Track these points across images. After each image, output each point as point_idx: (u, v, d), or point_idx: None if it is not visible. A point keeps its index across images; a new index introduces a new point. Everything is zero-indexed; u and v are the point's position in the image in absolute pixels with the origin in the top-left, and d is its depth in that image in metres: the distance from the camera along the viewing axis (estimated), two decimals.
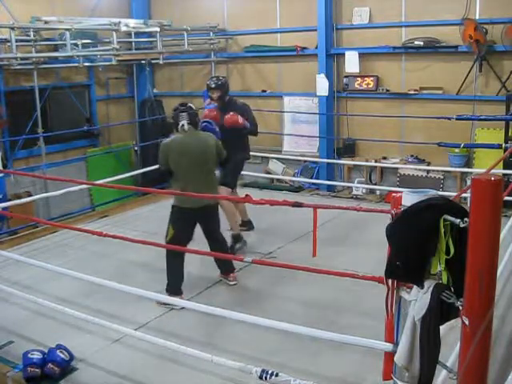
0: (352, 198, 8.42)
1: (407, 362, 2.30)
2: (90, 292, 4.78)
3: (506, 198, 4.07)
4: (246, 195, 4.38)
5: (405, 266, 2.26)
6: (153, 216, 7.16)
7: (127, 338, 4.01)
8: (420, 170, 8.18)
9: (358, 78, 8.62)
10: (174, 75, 10.75)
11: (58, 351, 3.72)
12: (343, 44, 8.78)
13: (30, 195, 8.17)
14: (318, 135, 8.97)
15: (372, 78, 8.54)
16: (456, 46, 7.69)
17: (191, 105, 4.99)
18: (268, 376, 2.85)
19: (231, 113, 5.88)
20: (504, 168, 6.65)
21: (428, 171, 8.16)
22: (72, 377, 3.71)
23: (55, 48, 9.04)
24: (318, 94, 8.76)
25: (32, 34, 8.31)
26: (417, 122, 8.14)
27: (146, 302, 4.49)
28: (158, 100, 10.47)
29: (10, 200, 7.47)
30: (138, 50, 10.21)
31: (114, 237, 3.87)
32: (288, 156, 9.19)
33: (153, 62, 10.24)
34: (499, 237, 2.01)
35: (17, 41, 7.75)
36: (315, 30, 8.70)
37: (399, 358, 2.33)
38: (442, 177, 8.09)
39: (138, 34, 9.95)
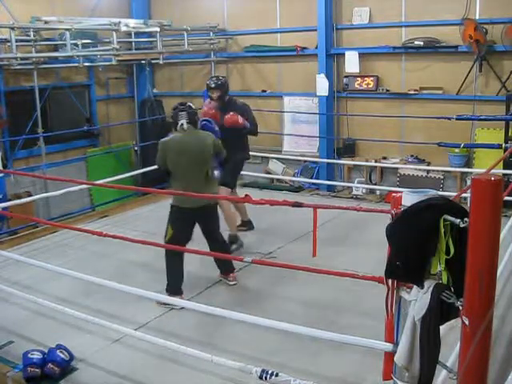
0: (352, 197, 8.42)
1: (407, 361, 2.30)
2: (89, 292, 4.78)
3: (506, 198, 4.07)
4: (246, 195, 4.39)
5: (405, 266, 2.26)
6: (153, 216, 7.16)
7: (127, 338, 4.01)
8: (420, 169, 8.18)
9: (358, 78, 8.62)
10: (174, 75, 10.75)
11: (58, 351, 3.72)
12: (343, 44, 8.78)
13: (30, 195, 8.17)
14: (318, 135, 8.97)
15: (372, 78, 8.54)
16: (456, 46, 7.69)
17: (191, 104, 4.99)
18: (268, 376, 2.85)
19: (231, 113, 5.88)
20: (504, 168, 6.65)
21: (428, 171, 8.16)
22: (72, 377, 3.71)
23: (55, 48, 9.03)
24: (318, 94, 8.76)
25: (32, 34, 8.31)
26: (417, 122, 8.14)
27: (145, 302, 4.49)
28: (158, 100, 10.47)
29: (10, 200, 7.47)
30: (138, 49, 10.21)
31: (113, 237, 3.87)
32: (288, 156, 9.18)
33: (153, 62, 10.24)
34: (499, 237, 2.01)
35: (17, 41, 7.74)
36: (315, 30, 8.70)
37: (399, 358, 2.33)
38: (441, 177, 8.09)
39: (138, 34, 9.95)
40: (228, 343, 4.01)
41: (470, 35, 7.37)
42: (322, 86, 8.65)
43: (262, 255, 5.78)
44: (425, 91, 8.15)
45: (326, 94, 8.67)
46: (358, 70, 8.49)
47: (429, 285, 2.22)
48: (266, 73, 9.67)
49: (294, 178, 9.27)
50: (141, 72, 10.57)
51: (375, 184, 8.60)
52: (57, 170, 8.93)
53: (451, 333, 2.57)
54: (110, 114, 10.43)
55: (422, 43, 7.94)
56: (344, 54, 8.53)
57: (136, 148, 10.27)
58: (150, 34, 9.98)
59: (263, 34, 9.49)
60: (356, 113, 8.66)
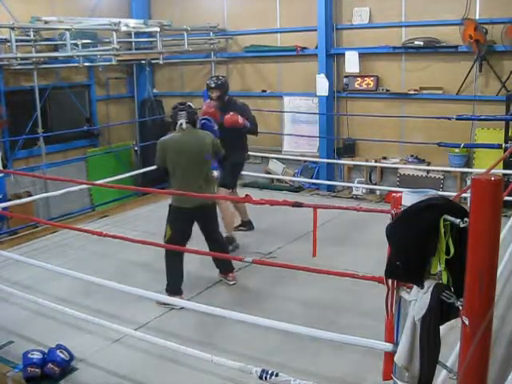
0: (352, 197, 8.42)
1: (407, 361, 2.30)
2: (89, 292, 4.78)
3: (506, 198, 4.07)
4: (246, 195, 4.38)
5: (405, 266, 2.26)
6: (153, 216, 7.16)
7: (127, 338, 4.01)
8: (420, 169, 8.18)
9: (358, 78, 8.62)
10: (174, 75, 10.75)
11: (58, 351, 3.73)
12: (343, 44, 8.78)
13: (30, 195, 8.17)
14: (318, 135, 8.96)
15: (372, 78, 8.54)
16: (456, 46, 7.69)
17: (190, 104, 5.00)
18: (268, 376, 2.85)
19: (231, 113, 5.88)
20: (504, 168, 6.65)
21: (428, 171, 8.16)
22: (72, 377, 3.71)
23: (55, 48, 9.04)
24: (318, 94, 8.76)
25: (32, 33, 8.31)
26: (417, 122, 8.14)
27: (145, 302, 4.49)
28: (158, 100, 10.47)
29: (10, 200, 7.47)
30: (138, 49, 10.21)
31: (113, 237, 3.87)
32: (288, 156, 9.18)
33: (153, 62, 10.24)
34: (499, 237, 2.01)
35: (17, 41, 7.75)
36: (315, 30, 8.70)
37: (399, 358, 2.33)
38: (442, 177, 8.09)
39: (138, 34, 9.95)
40: (228, 343, 4.01)
41: (469, 35, 7.37)
42: (322, 86, 8.65)
43: (262, 255, 5.78)
44: (425, 91, 8.15)
45: (326, 94, 8.67)
46: (358, 70, 8.49)
47: (429, 285, 2.22)
48: (266, 73, 9.67)
49: (294, 178, 9.27)
50: (141, 72, 10.57)
51: (375, 184, 8.60)
52: (57, 169, 8.93)
53: (451, 333, 2.57)
54: (110, 114, 10.43)
55: (421, 43, 7.94)
56: (344, 54, 8.53)
57: (136, 148, 10.27)
58: (150, 34, 9.98)
59: (263, 33, 9.48)
60: (356, 113, 8.66)
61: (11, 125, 8.63)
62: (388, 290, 2.44)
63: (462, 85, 7.75)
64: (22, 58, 8.19)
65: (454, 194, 5.90)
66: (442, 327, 2.25)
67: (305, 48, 9.03)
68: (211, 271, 5.19)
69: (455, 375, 2.23)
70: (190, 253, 4.54)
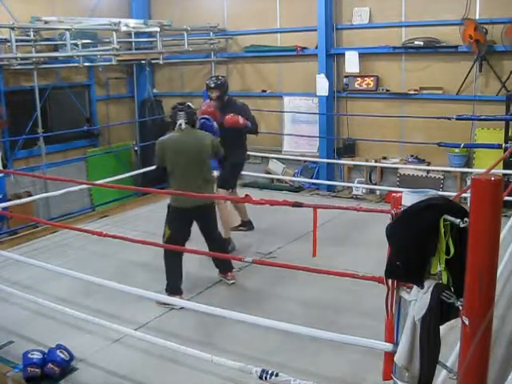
0: (352, 197, 8.42)
1: (407, 361, 2.30)
2: (89, 292, 4.78)
3: (506, 198, 4.07)
4: (246, 195, 4.38)
5: (405, 266, 2.26)
6: (153, 216, 7.15)
7: (127, 338, 4.01)
8: (420, 169, 8.18)
9: (358, 78, 8.62)
10: (174, 75, 10.75)
11: (58, 351, 3.73)
12: (343, 44, 8.78)
13: (30, 195, 8.16)
14: (318, 135, 8.96)
15: (372, 78, 8.54)
16: (456, 46, 7.69)
17: (190, 104, 5.00)
18: (268, 376, 2.85)
19: (231, 114, 5.87)
20: (504, 168, 6.65)
21: (428, 171, 8.16)
22: (72, 377, 3.71)
23: (55, 48, 9.03)
24: (318, 94, 8.76)
25: (32, 33, 8.31)
26: (417, 122, 8.14)
27: (145, 302, 4.49)
28: (158, 100, 10.47)
29: (10, 200, 7.47)
30: (138, 49, 10.21)
31: (113, 237, 3.87)
32: (288, 156, 9.18)
33: (153, 62, 10.24)
34: (499, 237, 2.02)
35: (17, 41, 7.74)
36: (315, 30, 8.70)
37: (399, 357, 2.33)
38: (442, 177, 8.09)
39: (138, 34, 9.95)
40: (228, 343, 4.01)
41: (469, 35, 7.37)
42: (322, 86, 8.65)
43: (262, 255, 5.78)
44: (425, 91, 8.15)
45: (326, 94, 8.67)
46: (358, 70, 8.49)
47: (429, 285, 2.22)
48: (266, 73, 9.67)
49: (294, 178, 9.27)
50: (141, 72, 10.57)
51: (375, 184, 8.60)
52: (57, 169, 8.93)
53: (451, 333, 2.57)
54: (110, 114, 10.43)
55: (422, 43, 7.94)
56: (344, 54, 8.53)
57: (136, 148, 10.27)
58: (150, 34, 9.98)
59: (263, 33, 9.48)
60: (356, 113, 8.66)
61: (11, 125, 8.63)
62: (388, 290, 2.44)
63: (462, 85, 7.75)
64: (22, 58, 8.18)
65: (454, 194, 5.90)
66: (442, 327, 2.25)
67: (305, 48, 9.03)
68: (211, 271, 5.19)
69: (455, 375, 2.23)
70: (190, 253, 4.55)
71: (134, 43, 9.99)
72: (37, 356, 3.69)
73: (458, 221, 2.10)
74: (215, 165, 5.61)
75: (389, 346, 2.56)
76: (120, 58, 9.16)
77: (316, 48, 8.78)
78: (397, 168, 8.33)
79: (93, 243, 6.04)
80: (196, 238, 5.00)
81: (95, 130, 10.00)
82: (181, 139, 4.83)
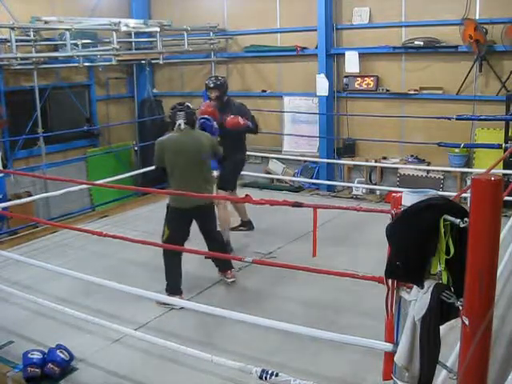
0: (352, 197, 8.42)
1: (407, 361, 2.30)
2: (89, 292, 4.78)
3: (506, 198, 4.07)
4: (246, 195, 4.38)
5: (405, 266, 2.26)
6: (153, 216, 7.15)
7: (127, 338, 4.01)
8: (420, 169, 8.18)
9: (358, 78, 8.62)
10: (174, 75, 10.74)
11: (58, 351, 3.73)
12: (343, 44, 8.78)
13: (30, 195, 8.16)
14: (318, 135, 8.96)
15: (372, 78, 8.54)
16: (456, 46, 7.69)
17: (189, 104, 5.00)
18: (268, 376, 2.85)
19: (232, 116, 5.86)
20: (504, 168, 6.65)
21: (428, 171, 8.16)
22: (72, 377, 3.71)
23: (55, 48, 9.03)
24: (318, 94, 8.76)
25: (32, 33, 8.31)
26: (417, 122, 8.14)
27: (145, 302, 4.49)
28: (158, 100, 10.47)
29: (10, 200, 7.47)
30: (138, 49, 10.21)
31: (113, 237, 3.87)
32: (288, 156, 9.18)
33: (153, 62, 10.23)
34: (499, 237, 2.02)
35: (17, 41, 7.74)
36: (315, 30, 8.70)
37: (399, 358, 2.33)
38: (442, 177, 8.09)
39: (138, 34, 9.95)
40: (228, 343, 4.02)
41: (469, 35, 7.37)
42: (322, 86, 8.65)
43: (262, 255, 5.78)
44: (425, 91, 8.15)
45: (326, 94, 8.67)
46: (358, 70, 8.49)
47: (429, 285, 2.22)
48: (266, 73, 9.67)
49: (294, 178, 9.27)
50: (141, 72, 10.57)
51: (375, 184, 8.60)
52: (57, 169, 8.93)
53: (451, 333, 2.57)
54: (110, 114, 10.43)
55: (422, 43, 7.94)
56: (344, 54, 8.53)
57: (136, 148, 10.27)
58: (150, 34, 9.98)
59: (263, 33, 9.48)
60: (356, 113, 8.66)
61: (11, 125, 8.62)
62: (388, 290, 2.44)
63: (462, 85, 7.75)
64: (22, 58, 8.18)
65: (454, 194, 5.90)
66: (442, 327, 2.25)
67: (305, 48, 9.02)
68: (211, 271, 5.19)
69: (455, 375, 2.24)
70: (189, 253, 4.54)
71: (134, 43, 9.98)
72: (37, 356, 3.69)
73: (457, 221, 2.10)
74: (215, 165, 5.62)
75: (389, 346, 2.56)
76: (120, 58, 9.15)
77: (316, 48, 8.78)
78: (397, 168, 8.33)
79: (93, 243, 6.04)
80: (196, 238, 5.00)
81: (95, 130, 10.00)
82: (180, 139, 4.83)
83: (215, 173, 5.39)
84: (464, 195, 4.79)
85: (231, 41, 9.96)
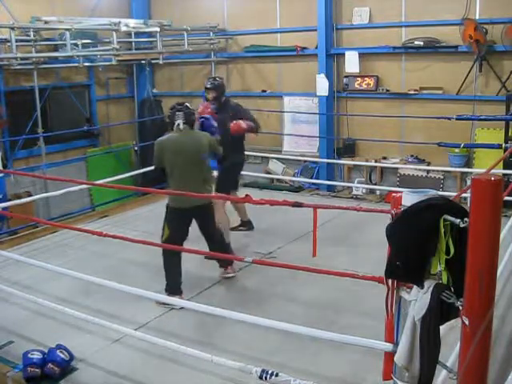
0: (352, 197, 8.42)
1: (407, 362, 2.30)
2: (89, 292, 4.78)
3: (506, 198, 4.07)
4: (246, 195, 4.38)
5: (405, 266, 2.26)
6: (152, 216, 7.14)
7: (127, 338, 4.01)
8: (420, 169, 8.18)
9: (358, 78, 8.62)
10: (174, 75, 10.74)
11: (58, 351, 3.73)
12: (343, 44, 8.78)
13: (30, 195, 8.16)
14: (318, 135, 8.96)
15: (372, 78, 8.54)
16: (456, 46, 7.69)
17: (188, 104, 5.01)
18: (268, 376, 2.85)
19: (234, 121, 5.84)
20: (504, 168, 6.65)
21: (428, 171, 8.16)
22: (72, 377, 3.71)
23: (55, 48, 9.04)
24: (318, 94, 8.76)
25: (32, 34, 8.31)
26: (417, 122, 8.14)
27: (145, 301, 4.49)
28: (158, 100, 10.46)
29: (10, 200, 7.47)
30: (138, 49, 10.21)
31: (113, 237, 3.87)
32: (288, 156, 9.18)
33: (153, 62, 10.23)
34: (499, 237, 2.01)
35: (17, 41, 7.74)
36: (315, 30, 8.70)
37: (399, 358, 2.33)
38: (442, 177, 8.09)
39: (138, 34, 9.95)
40: (228, 343, 4.02)
41: (469, 35, 7.37)
42: (322, 86, 8.65)
43: (262, 255, 5.78)
44: (425, 91, 8.15)
45: (326, 94, 8.67)
46: (358, 70, 8.49)
47: (429, 285, 2.22)
48: (266, 73, 9.67)
49: (294, 178, 9.27)
50: (141, 72, 10.57)
51: (375, 184, 8.60)
52: (57, 169, 8.93)
53: (451, 333, 2.57)
54: (110, 114, 10.43)
55: (422, 43, 7.94)
56: (344, 54, 8.53)
57: (136, 148, 10.27)
58: (150, 34, 9.98)
59: (263, 33, 9.48)
60: (356, 113, 8.66)
61: (11, 125, 8.63)
62: (388, 290, 2.44)
63: (462, 85, 7.75)
64: (22, 58, 8.18)
65: (454, 194, 5.90)
66: (442, 327, 2.25)
67: (305, 48, 9.02)
68: (211, 271, 5.20)
69: (455, 375, 2.23)
70: (190, 253, 4.55)
71: (134, 43, 9.99)
72: (37, 356, 3.69)
73: (458, 221, 2.10)
74: (215, 165, 5.62)
75: (389, 346, 2.56)
76: (120, 58, 9.16)
77: (316, 48, 8.78)
78: (397, 168, 8.33)
79: (93, 243, 6.04)
80: (195, 238, 5.00)
81: (95, 130, 10.00)
82: (179, 139, 4.84)
83: (215, 173, 5.39)
84: (464, 195, 4.79)
85: (231, 41, 9.96)
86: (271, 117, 9.41)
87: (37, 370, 3.62)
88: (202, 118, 5.48)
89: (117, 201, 8.79)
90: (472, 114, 7.62)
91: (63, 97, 9.52)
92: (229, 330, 4.17)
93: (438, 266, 2.22)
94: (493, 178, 1.95)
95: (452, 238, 2.15)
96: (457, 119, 7.36)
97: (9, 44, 7.80)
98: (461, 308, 2.10)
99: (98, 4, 9.94)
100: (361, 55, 8.38)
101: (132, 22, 9.61)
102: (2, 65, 8.34)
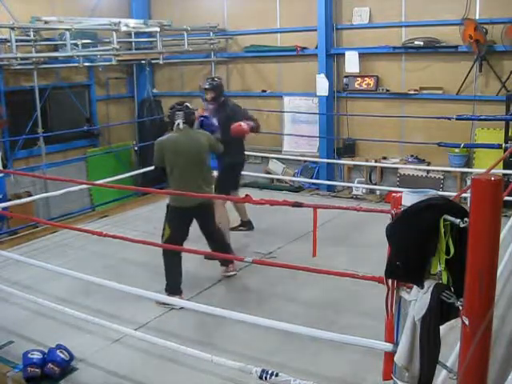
0: (352, 198, 8.42)
1: (407, 362, 2.30)
2: (89, 292, 4.78)
3: (506, 198, 4.06)
4: (246, 195, 4.38)
5: (405, 266, 2.26)
6: (153, 216, 7.15)
7: (127, 338, 4.01)
8: (420, 169, 8.18)
9: (358, 78, 8.62)
10: (174, 75, 10.74)
11: (58, 351, 3.73)
12: (343, 44, 8.78)
13: (30, 195, 8.17)
14: (318, 135, 8.96)
15: (372, 78, 8.54)
16: (456, 46, 7.69)
17: (188, 104, 5.01)
18: (268, 376, 2.85)
19: (235, 123, 5.83)
20: (504, 168, 6.65)
21: (428, 171, 8.16)
22: (72, 377, 3.71)
23: (55, 48, 9.04)
24: (318, 94, 8.76)
25: (32, 33, 8.32)
26: (417, 122, 8.14)
27: (145, 301, 4.49)
28: (157, 100, 10.47)
29: (10, 200, 7.47)
30: (138, 49, 10.21)
31: (113, 237, 3.87)
32: (288, 156, 9.18)
33: (153, 62, 10.24)
34: (499, 237, 2.01)
35: (17, 41, 7.75)
36: (315, 30, 8.70)
37: (399, 358, 2.33)
38: (442, 177, 8.09)
39: (138, 34, 9.95)
40: (228, 343, 4.01)
41: (469, 35, 7.37)
42: (322, 86, 8.65)
43: (262, 255, 5.78)
44: (425, 91, 8.15)
45: (326, 94, 8.67)
46: (358, 70, 8.49)
47: (429, 285, 2.22)
48: (266, 73, 9.67)
49: (294, 178, 9.27)
50: (141, 72, 10.57)
51: (375, 184, 8.60)
52: (57, 169, 8.93)
53: (451, 333, 2.57)
54: (109, 114, 10.44)
55: (422, 43, 7.94)
56: (344, 53, 8.53)
57: (136, 148, 10.27)
58: (150, 34, 9.98)
59: (263, 33, 9.49)
60: (356, 113, 8.66)
61: (11, 125, 8.63)
62: (388, 290, 2.44)
63: (462, 85, 7.75)
64: (22, 58, 8.19)
65: (454, 194, 5.90)
66: (442, 327, 2.25)
67: (305, 48, 9.02)
68: (211, 271, 5.20)
69: (455, 375, 2.23)
70: (190, 253, 4.55)
71: (134, 43, 9.99)
72: (37, 356, 3.69)
73: (458, 221, 2.10)
74: (215, 165, 5.62)
75: (389, 346, 2.56)
76: (120, 58, 9.16)
77: (316, 48, 8.78)
78: (397, 168, 8.33)
79: (93, 243, 6.04)
80: (196, 238, 5.00)
81: (95, 130, 10.00)
82: (179, 139, 4.84)
83: (215, 173, 5.39)
84: (464, 195, 4.78)
85: (231, 41, 9.96)
86: (271, 117, 9.41)
87: (37, 370, 3.62)
88: (202, 116, 5.48)
89: (117, 201, 8.79)
90: (472, 114, 7.62)
91: (63, 97, 9.52)
92: (229, 330, 4.17)
93: (438, 266, 2.22)
94: (493, 178, 1.95)
95: (452, 237, 2.15)
96: (457, 119, 7.36)
97: (9, 44, 7.80)
98: (461, 308, 2.10)
99: (98, 4, 9.95)
100: (361, 55, 8.38)
101: (132, 22, 9.61)
102: (2, 65, 8.34)
